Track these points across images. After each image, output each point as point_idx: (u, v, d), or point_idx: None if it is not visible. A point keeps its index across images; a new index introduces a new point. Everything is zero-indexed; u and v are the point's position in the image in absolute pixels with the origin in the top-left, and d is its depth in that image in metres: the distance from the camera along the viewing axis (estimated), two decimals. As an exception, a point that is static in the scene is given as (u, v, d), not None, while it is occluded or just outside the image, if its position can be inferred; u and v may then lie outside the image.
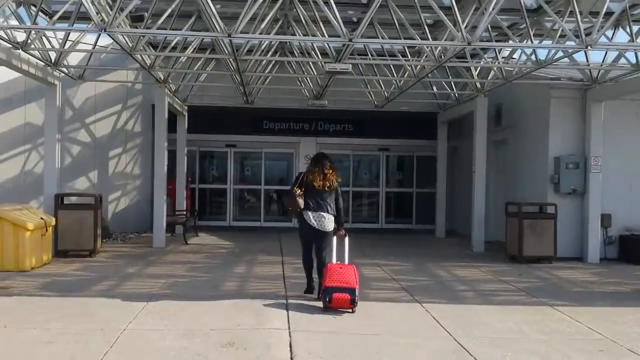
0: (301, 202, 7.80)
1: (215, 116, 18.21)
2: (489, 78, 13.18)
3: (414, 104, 16.65)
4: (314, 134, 18.94)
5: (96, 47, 12.05)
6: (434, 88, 15.73)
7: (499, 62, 12.25)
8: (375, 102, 16.47)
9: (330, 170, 7.91)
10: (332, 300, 7.26)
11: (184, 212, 15.87)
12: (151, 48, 13.25)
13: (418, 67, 12.14)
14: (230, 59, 11.68)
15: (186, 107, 16.47)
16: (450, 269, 11.06)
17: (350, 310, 7.35)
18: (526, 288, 9.29)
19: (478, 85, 13.54)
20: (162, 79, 13.18)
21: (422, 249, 14.18)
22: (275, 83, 15.39)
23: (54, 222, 10.99)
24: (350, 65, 10.39)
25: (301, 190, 7.82)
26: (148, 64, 11.90)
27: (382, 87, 14.82)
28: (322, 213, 7.78)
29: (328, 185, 7.85)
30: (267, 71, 14.60)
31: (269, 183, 19.45)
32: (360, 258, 11.77)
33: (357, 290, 7.35)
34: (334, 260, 7.84)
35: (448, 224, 18.43)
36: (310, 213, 7.79)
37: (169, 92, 13.87)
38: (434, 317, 7.26)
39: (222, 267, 10.76)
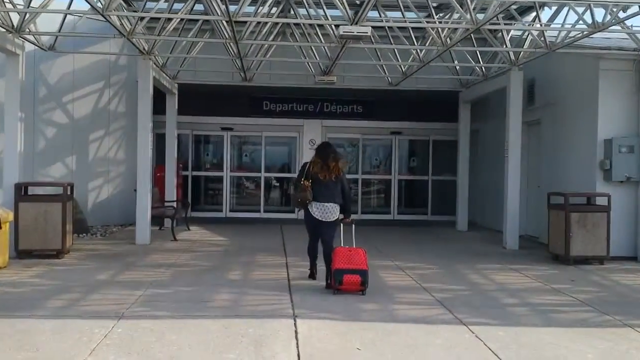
0: (310, 194, 7.79)
1: (209, 96, 16.42)
2: (524, 47, 11.29)
3: (433, 80, 14.78)
4: (319, 116, 17.13)
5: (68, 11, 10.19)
6: (456, 62, 13.88)
7: (541, 25, 10.31)
8: (390, 79, 14.60)
9: (334, 162, 7.89)
10: (343, 282, 7.25)
11: (174, 203, 14.07)
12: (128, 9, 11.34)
13: (445, 33, 10.26)
14: (224, 22, 9.85)
15: (176, 85, 14.60)
16: (487, 272, 9.26)
17: (361, 292, 7.35)
18: (589, 300, 7.49)
19: (512, 56, 11.67)
20: (146, 49, 11.30)
21: (446, 245, 12.38)
22: (277, 55, 13.49)
23: (11, 217, 9.18)
24: (370, 28, 8.53)
25: (309, 182, 7.81)
26: (128, 30, 10.01)
27: (399, 59, 12.92)
28: (325, 204, 7.77)
29: (334, 175, 7.84)
30: (268, 40, 12.72)
31: (269, 170, 17.65)
32: (377, 258, 10.07)
33: (367, 271, 7.36)
34: (342, 244, 7.77)
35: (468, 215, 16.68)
36: (313, 204, 7.80)
37: (154, 66, 12.01)
38: (490, 348, 5.46)
39: (214, 271, 8.95)
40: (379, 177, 17.90)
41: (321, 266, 8.21)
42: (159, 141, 15.96)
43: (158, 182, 14.62)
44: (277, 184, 18.09)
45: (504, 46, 11.43)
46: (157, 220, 13.16)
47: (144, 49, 11.22)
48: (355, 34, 8.41)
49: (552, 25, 10.38)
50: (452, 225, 15.59)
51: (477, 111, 15.44)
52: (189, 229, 13.80)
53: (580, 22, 9.31)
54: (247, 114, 16.93)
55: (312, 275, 8.30)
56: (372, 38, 12.71)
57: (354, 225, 7.98)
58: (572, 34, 9.80)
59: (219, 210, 17.12)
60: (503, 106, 14.53)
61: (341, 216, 8.03)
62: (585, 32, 9.28)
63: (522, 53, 11.51)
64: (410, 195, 18.26)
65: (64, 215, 9.77)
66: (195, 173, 17.14)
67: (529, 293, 7.86)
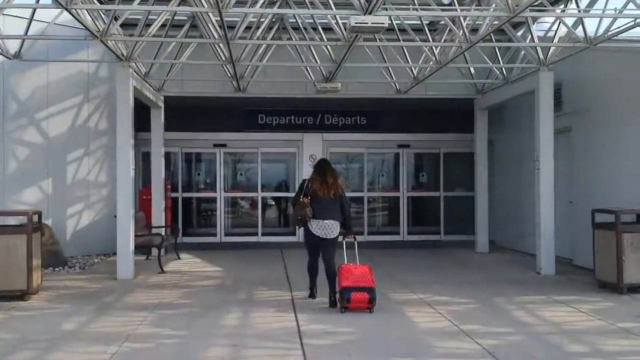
0: (309, 211, 7.69)
1: (199, 110, 15.02)
2: (554, 42, 9.91)
3: (444, 87, 13.44)
4: (319, 129, 15.73)
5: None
6: (470, 65, 12.52)
7: (579, 12, 8.90)
8: (397, 86, 13.22)
9: (333, 178, 7.86)
10: (351, 300, 7.18)
11: (162, 229, 12.58)
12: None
13: (469, 27, 8.88)
14: (214, 22, 8.46)
15: (162, 98, 13.17)
16: (532, 307, 7.79)
17: (369, 310, 7.27)
18: (671, 344, 6.05)
19: (540, 54, 10.30)
20: (125, 55, 9.88)
21: (470, 271, 10.91)
22: (273, 60, 12.07)
23: (-39, 255, 7.70)
24: (387, 19, 7.12)
25: (308, 199, 7.73)
26: (101, 30, 8.59)
27: (410, 61, 11.54)
28: (325, 221, 7.69)
29: (333, 192, 7.78)
30: (262, 44, 11.34)
31: (267, 189, 16.19)
32: (396, 289, 8.73)
33: (374, 289, 7.30)
34: (346, 262, 7.71)
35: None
36: (313, 221, 7.72)
37: (135, 74, 10.58)
38: None
39: (207, 314, 7.44)
40: (386, 194, 16.44)
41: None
42: (145, 161, 14.57)
43: (144, 205, 13.16)
44: (275, 204, 16.62)
45: (532, 42, 10.05)
46: (143, 249, 11.66)
47: (122, 54, 9.79)
48: (369, 25, 6.99)
49: (591, 12, 8.93)
50: (469, 246, 14.14)
51: (491, 121, 14.02)
52: (179, 258, 12.30)
53: (630, 6, 7.92)
54: (241, 129, 15.51)
55: (312, 295, 8.17)
56: (379, 38, 11.44)
57: (356, 242, 7.93)
58: (619, 23, 8.42)
59: (212, 234, 15.63)
60: (522, 113, 13.24)
61: (343, 232, 7.98)
62: (638, 21, 7.90)
63: (551, 50, 10.14)
64: (421, 213, 16.78)
65: (29, 249, 8.26)
66: (185, 194, 15.66)
67: (594, 336, 6.39)
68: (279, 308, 7.76)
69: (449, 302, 8.06)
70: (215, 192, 15.62)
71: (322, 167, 8.02)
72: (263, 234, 15.68)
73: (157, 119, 13.08)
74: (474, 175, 13.77)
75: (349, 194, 16.64)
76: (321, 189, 7.76)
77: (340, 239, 7.92)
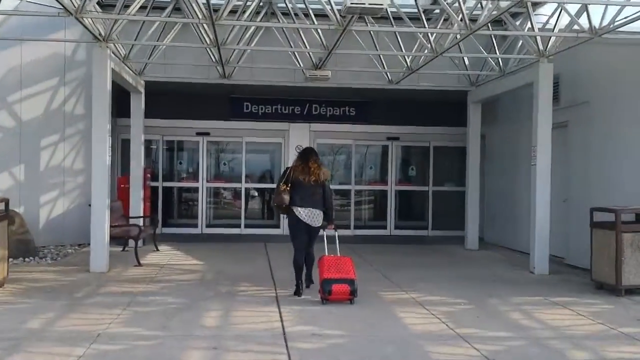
0: (286, 197, 7.66)
1: (182, 96, 14.51)
2: (555, 31, 9.49)
3: (437, 78, 13.02)
4: (306, 119, 15.26)
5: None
6: (464, 55, 12.10)
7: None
8: (390, 76, 12.76)
9: (316, 165, 7.78)
10: (332, 292, 7.20)
11: (140, 220, 12.04)
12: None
13: (468, 14, 8.43)
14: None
15: (143, 83, 12.58)
16: (529, 309, 7.39)
17: (350, 301, 7.30)
18: (680, 353, 5.67)
19: (540, 45, 9.88)
20: (103, 35, 9.29)
21: (462, 269, 10.48)
22: (261, 45, 11.54)
23: None
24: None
25: (287, 186, 7.68)
26: (76, 7, 8.00)
27: (403, 49, 11.08)
28: (312, 209, 7.65)
29: (314, 179, 7.69)
30: (250, 27, 10.83)
31: (251, 180, 15.71)
32: (387, 288, 8.39)
33: (355, 280, 7.31)
34: (326, 253, 7.73)
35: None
36: (300, 209, 7.68)
37: (114, 56, 10.00)
38: None
39: (184, 312, 6.95)
40: (374, 187, 16.02)
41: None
42: (125, 148, 14.03)
43: (122, 194, 12.60)
44: (259, 196, 16.13)
45: (532, 31, 9.63)
46: (119, 240, 11.11)
47: (100, 34, 9.20)
48: (367, 6, 6.51)
49: None
50: (458, 242, 13.76)
51: (482, 114, 13.56)
52: (157, 250, 11.76)
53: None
54: (225, 117, 14.99)
55: (298, 292, 7.84)
56: (373, 24, 10.98)
57: (337, 233, 7.89)
58: (626, 12, 8.03)
59: (193, 225, 15.11)
60: (517, 107, 12.87)
61: (325, 223, 7.86)
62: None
63: (552, 41, 9.73)
64: (409, 208, 16.43)
65: (-6, 239, 7.71)
66: (166, 184, 15.11)
67: (597, 342, 6.00)
68: (262, 306, 7.28)
69: (442, 302, 7.63)
70: (198, 182, 15.10)
71: (306, 154, 7.94)
72: (246, 226, 15.19)
73: (138, 104, 12.50)
74: (465, 170, 13.36)
75: (336, 187, 16.46)
76: (302, 174, 7.70)
77: (321, 230, 7.87)
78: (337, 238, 7.87)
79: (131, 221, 11.83)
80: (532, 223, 10.12)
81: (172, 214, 15.57)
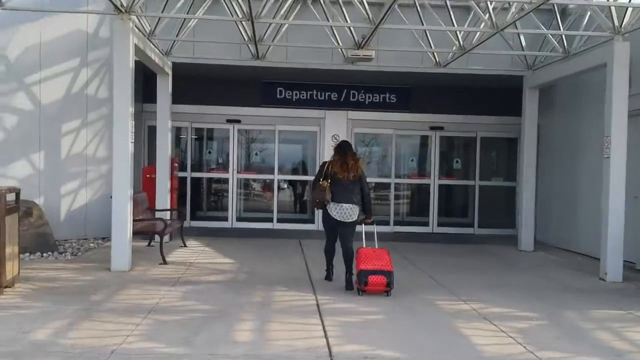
0: (328, 195, 7.56)
1: (212, 80, 13.62)
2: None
3: (488, 61, 11.92)
4: (344, 106, 14.20)
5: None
6: (521, 38, 10.97)
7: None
8: (437, 58, 11.65)
9: (353, 160, 7.69)
10: (368, 283, 7.10)
11: (167, 213, 11.17)
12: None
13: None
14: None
15: (170, 64, 11.66)
16: (615, 326, 6.27)
17: (386, 293, 7.18)
18: None
19: (615, 21, 8.69)
20: (125, 5, 8.36)
21: (521, 274, 9.34)
22: (298, 19, 10.53)
23: None
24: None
25: (328, 182, 7.57)
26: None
27: (455, 24, 9.98)
28: (344, 204, 7.56)
29: (353, 175, 7.61)
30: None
31: (284, 171, 14.78)
32: (440, 295, 7.51)
33: (392, 272, 7.20)
34: (364, 245, 7.57)
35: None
36: (332, 204, 7.59)
37: (137, 31, 9.08)
38: None
39: (212, 323, 5.99)
40: (415, 181, 14.93)
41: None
42: (152, 136, 13.19)
43: (147, 185, 11.72)
44: (293, 188, 15.17)
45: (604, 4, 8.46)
46: (145, 234, 10.23)
47: (121, 4, 8.27)
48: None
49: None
50: (508, 243, 12.67)
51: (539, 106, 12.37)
52: (185, 245, 10.89)
53: None
54: (257, 104, 14.04)
55: (329, 277, 8.12)
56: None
57: (375, 226, 7.85)
58: None
59: (223, 219, 14.21)
60: (576, 93, 11.71)
61: (362, 216, 7.80)
62: None
63: (629, 15, 8.52)
64: (453, 203, 15.34)
65: (1, 236, 6.84)
66: (195, 174, 14.23)
67: None
68: (302, 317, 6.30)
69: (509, 316, 6.55)
70: (228, 172, 14.18)
71: (343, 148, 7.82)
72: (279, 221, 14.25)
73: (164, 87, 11.58)
74: (519, 163, 12.21)
75: (374, 180, 15.39)
76: (341, 171, 7.59)
77: (359, 223, 7.75)
78: (375, 230, 7.78)
79: (157, 215, 10.98)
80: (605, 224, 8.95)
81: (200, 207, 14.70)
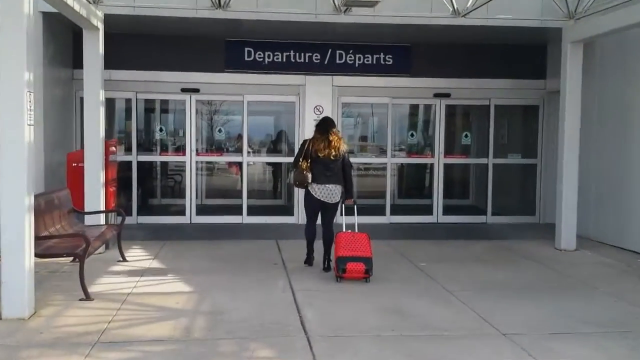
0: (309, 175, 7.36)
1: (161, 40, 10.83)
2: None
3: (511, 6, 9.31)
4: (329, 70, 11.39)
5: None
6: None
7: None
8: (456, 6, 8.91)
9: (336, 137, 7.43)
10: (347, 270, 6.96)
11: (101, 215, 8.36)
12: None
13: None
14: None
15: (100, 15, 8.67)
16: None
17: (365, 280, 7.01)
18: None
19: None
20: None
21: (589, 296, 6.77)
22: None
23: None
24: None
25: (308, 162, 7.35)
26: None
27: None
28: (327, 185, 7.36)
29: (334, 153, 7.34)
30: None
31: (255, 152, 12.03)
32: (497, 344, 4.65)
33: (371, 259, 7.02)
34: (344, 229, 7.42)
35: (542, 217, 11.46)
36: (314, 185, 7.38)
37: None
38: None
39: None
40: (417, 159, 12.30)
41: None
42: (77, 109, 10.45)
43: (74, 178, 8.79)
44: (266, 172, 12.49)
45: None
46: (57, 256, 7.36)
47: None
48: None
49: None
50: (534, 236, 10.35)
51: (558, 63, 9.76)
52: (123, 260, 8.08)
53: None
54: (220, 68, 11.14)
55: (309, 261, 7.86)
56: None
57: (355, 207, 7.54)
58: None
59: (180, 212, 11.39)
60: (628, 51, 9.16)
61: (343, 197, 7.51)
62: None
63: None
64: (461, 186, 12.81)
65: None
66: (142, 158, 11.33)
67: None
68: None
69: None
70: (184, 154, 11.30)
71: (326, 125, 7.51)
72: (249, 213, 11.47)
73: (93, 47, 8.57)
74: (558, 138, 9.61)
75: (366, 160, 12.66)
76: (323, 149, 7.31)
77: (340, 206, 7.57)
78: (355, 212, 7.47)
79: (87, 219, 8.15)
80: None
81: (151, 198, 11.89)
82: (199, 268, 7.76)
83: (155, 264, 8.02)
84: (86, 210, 8.33)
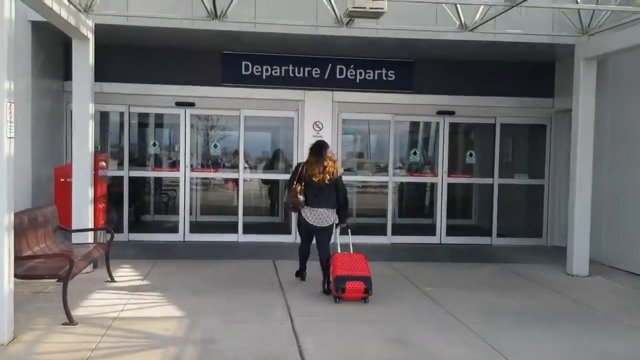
0: (302, 199, 7.26)
1: (156, 51, 10.45)
2: None
3: (520, 23, 8.97)
4: (329, 85, 11.05)
5: None
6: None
7: None
8: (463, 19, 8.56)
9: (331, 162, 7.35)
10: (346, 289, 6.73)
11: (90, 233, 7.92)
12: None
13: None
14: None
15: (91, 25, 8.29)
16: None
17: (364, 300, 6.79)
18: None
19: None
20: None
21: (615, 333, 6.34)
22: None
23: None
24: None
25: (301, 186, 7.25)
26: None
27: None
28: (319, 209, 7.26)
29: (329, 178, 7.24)
30: None
31: (252, 169, 11.61)
32: None
33: (370, 278, 6.82)
34: (339, 250, 7.21)
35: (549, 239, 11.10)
36: (307, 209, 7.29)
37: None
38: None
39: None
40: (419, 179, 11.94)
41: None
42: (65, 123, 10.10)
43: (61, 194, 8.36)
44: (263, 190, 12.09)
45: None
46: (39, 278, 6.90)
47: None
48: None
49: None
50: (542, 260, 9.99)
51: (569, 83, 9.40)
52: (112, 280, 7.61)
53: None
54: (217, 82, 10.78)
55: (301, 275, 7.83)
56: None
57: (350, 231, 7.43)
58: None
59: (172, 230, 10.96)
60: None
61: (337, 221, 7.40)
62: None
63: None
64: (465, 207, 12.41)
65: None
66: (134, 173, 10.89)
67: None
68: None
69: None
70: (178, 170, 10.88)
71: (319, 149, 7.40)
72: (245, 231, 11.04)
73: (83, 57, 8.19)
74: (570, 157, 9.23)
75: (367, 178, 12.19)
76: (317, 175, 7.24)
77: (335, 230, 7.46)
78: (350, 235, 7.38)
79: (73, 238, 7.72)
80: None
81: (142, 215, 11.46)
82: (190, 290, 7.29)
83: (144, 285, 7.55)
84: (73, 227, 7.88)
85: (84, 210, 8.05)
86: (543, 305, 7.16)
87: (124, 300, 6.76)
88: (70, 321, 5.79)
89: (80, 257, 6.53)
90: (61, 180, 8.37)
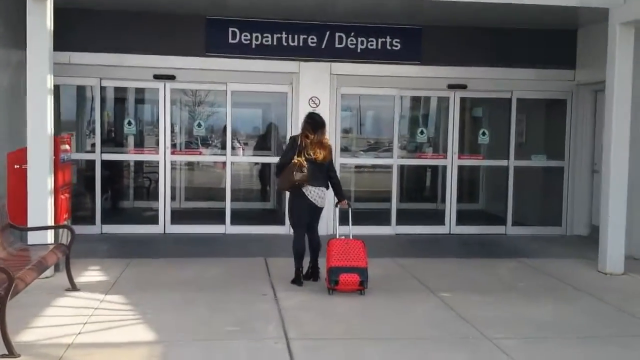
0: (307, 176, 6.62)
1: (130, 16, 9.18)
2: None
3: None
4: (326, 56, 9.82)
5: None
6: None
7: None
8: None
9: (327, 138, 7.00)
10: (339, 282, 6.40)
11: (49, 231, 6.73)
12: None
13: None
14: None
15: (49, -19, 7.01)
16: None
17: (360, 292, 6.43)
18: None
19: None
20: None
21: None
22: None
23: None
24: None
25: (304, 160, 6.63)
26: None
27: None
28: (322, 188, 6.85)
29: (324, 156, 6.80)
30: None
31: (239, 149, 10.40)
32: None
33: (366, 269, 6.44)
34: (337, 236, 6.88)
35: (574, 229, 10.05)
36: (311, 188, 6.74)
37: None
38: None
39: None
40: (427, 161, 10.81)
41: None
42: (20, 99, 8.74)
43: (16, 183, 7.13)
44: (253, 174, 10.93)
45: None
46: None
47: None
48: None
49: None
50: (566, 254, 8.86)
51: (599, 52, 8.27)
52: (73, 288, 6.43)
53: None
54: (200, 52, 9.52)
55: (299, 280, 6.86)
56: None
57: (350, 210, 6.94)
58: None
59: (151, 221, 9.77)
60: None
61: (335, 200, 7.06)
62: None
63: None
64: (477, 192, 11.29)
65: None
66: (107, 156, 9.64)
67: None
68: None
69: None
70: (157, 152, 9.66)
71: (318, 124, 6.83)
72: (233, 221, 9.87)
73: (38, 20, 6.89)
74: (604, 137, 8.09)
75: (369, 160, 11.16)
76: (316, 150, 6.71)
77: (335, 208, 7.17)
78: (350, 215, 6.85)
79: (29, 237, 6.53)
80: None
81: (117, 203, 10.27)
82: (167, 301, 6.14)
83: (112, 294, 6.37)
84: (29, 224, 6.68)
85: (42, 203, 6.82)
86: (581, 315, 6.05)
87: (85, 317, 5.59)
88: (11, 353, 4.62)
89: (30, 266, 5.34)
90: (15, 166, 7.12)
